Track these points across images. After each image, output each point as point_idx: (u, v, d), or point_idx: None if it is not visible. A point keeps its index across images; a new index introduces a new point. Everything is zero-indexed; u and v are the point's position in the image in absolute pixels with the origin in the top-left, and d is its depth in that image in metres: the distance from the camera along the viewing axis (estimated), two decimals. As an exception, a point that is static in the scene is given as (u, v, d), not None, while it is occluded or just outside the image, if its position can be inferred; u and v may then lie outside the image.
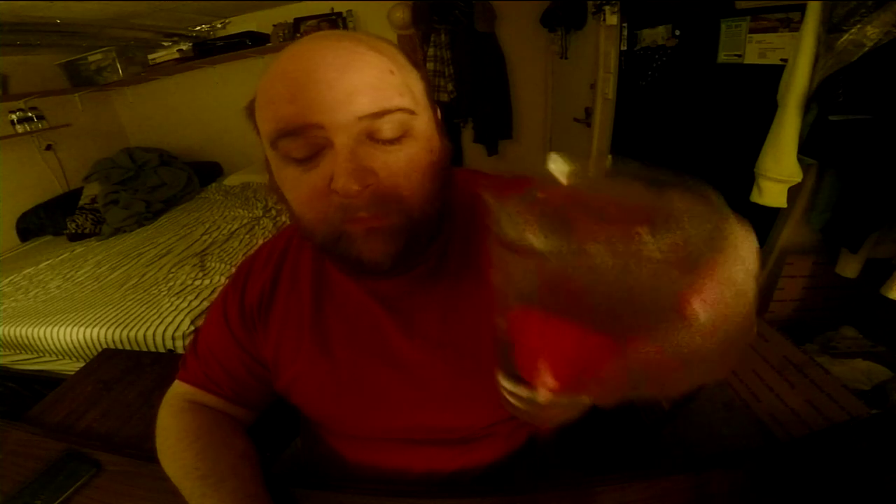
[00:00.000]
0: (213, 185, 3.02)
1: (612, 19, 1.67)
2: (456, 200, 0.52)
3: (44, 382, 1.54)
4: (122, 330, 1.39)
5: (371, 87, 0.39)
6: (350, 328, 0.53)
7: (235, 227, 2.19)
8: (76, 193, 2.57)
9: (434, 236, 0.47)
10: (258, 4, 2.66)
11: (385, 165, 0.40)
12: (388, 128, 0.39)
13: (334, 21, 2.65)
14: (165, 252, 2.00)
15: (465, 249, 0.51)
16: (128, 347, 1.38)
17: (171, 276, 1.74)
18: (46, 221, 2.49)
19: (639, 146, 1.68)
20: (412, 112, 0.41)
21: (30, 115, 2.42)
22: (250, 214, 2.35)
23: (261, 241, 1.93)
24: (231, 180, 2.97)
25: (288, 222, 0.54)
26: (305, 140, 0.39)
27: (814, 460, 0.53)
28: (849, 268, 0.81)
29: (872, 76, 0.67)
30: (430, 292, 0.51)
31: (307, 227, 0.43)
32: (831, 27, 0.69)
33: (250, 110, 0.45)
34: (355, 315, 0.53)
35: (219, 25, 2.84)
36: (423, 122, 0.43)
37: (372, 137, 0.40)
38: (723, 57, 1.09)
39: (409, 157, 0.41)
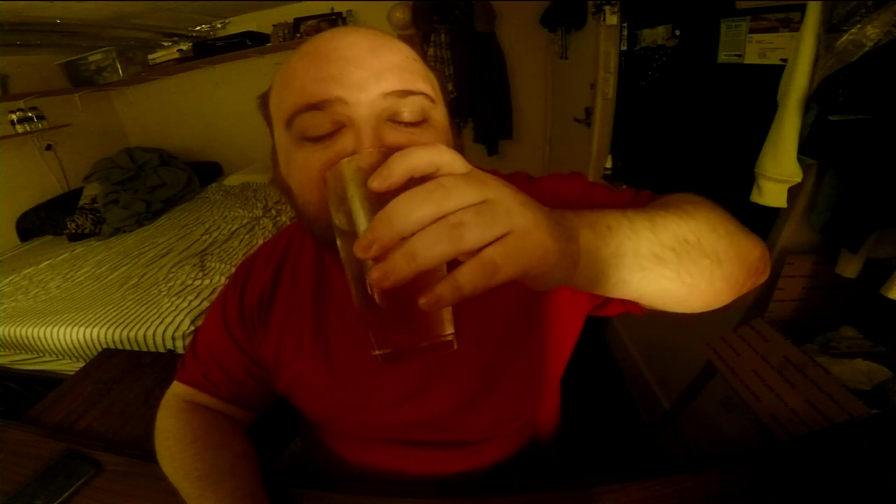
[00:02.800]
0: (213, 185, 3.02)
1: (612, 19, 1.67)
2: None
3: (44, 382, 1.54)
4: (122, 330, 1.39)
5: (398, 68, 0.39)
6: (351, 331, 0.52)
7: (235, 227, 2.19)
8: (76, 193, 2.57)
9: None
10: (258, 4, 2.66)
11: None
12: (409, 110, 0.39)
13: (334, 21, 2.65)
14: (165, 252, 2.00)
15: None
16: (128, 347, 1.38)
17: (171, 276, 1.74)
18: (46, 221, 2.50)
19: (639, 146, 1.68)
20: (433, 100, 0.41)
21: (30, 115, 2.43)
22: (250, 214, 2.35)
23: (261, 241, 1.93)
24: (231, 180, 2.97)
25: (288, 222, 0.54)
26: (325, 116, 0.38)
27: (814, 460, 0.53)
28: (849, 268, 0.80)
29: (872, 76, 0.67)
30: None
31: (311, 214, 0.41)
32: (831, 27, 0.69)
33: (264, 99, 0.46)
34: (356, 315, 0.52)
35: (219, 25, 2.85)
36: (441, 114, 0.43)
37: (393, 120, 0.39)
38: (723, 57, 1.09)
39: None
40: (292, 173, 0.42)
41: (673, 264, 0.34)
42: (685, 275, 0.35)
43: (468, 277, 0.24)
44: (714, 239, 0.37)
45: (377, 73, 0.38)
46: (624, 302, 0.48)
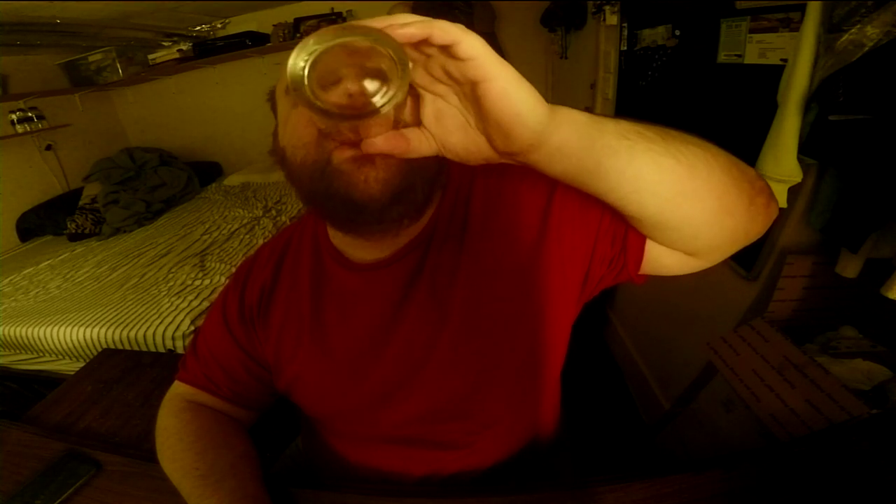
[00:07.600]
0: (213, 185, 3.02)
1: (612, 19, 1.67)
2: (451, 186, 0.52)
3: (44, 382, 1.54)
4: (122, 330, 1.39)
5: None
6: (349, 325, 0.53)
7: (235, 227, 2.19)
8: (76, 193, 2.57)
9: (428, 197, 0.46)
10: (258, 4, 2.66)
11: None
12: None
13: (334, 21, 2.65)
14: (165, 252, 2.00)
15: (459, 242, 0.51)
16: (128, 347, 1.38)
17: (171, 276, 1.74)
18: (46, 221, 2.49)
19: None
20: None
21: (30, 115, 2.42)
22: (250, 214, 2.35)
23: (261, 241, 1.94)
24: (231, 180, 2.97)
25: (288, 222, 0.54)
26: None
27: (814, 460, 0.53)
28: (849, 268, 0.80)
29: (872, 76, 0.67)
30: (426, 288, 0.51)
31: (299, 160, 0.42)
32: (831, 27, 0.69)
33: (272, 94, 0.48)
34: (354, 311, 0.53)
35: (219, 25, 2.84)
36: None
37: None
38: (723, 57, 1.09)
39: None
40: (287, 131, 0.43)
41: (659, 141, 0.33)
42: (676, 153, 0.34)
43: (439, 22, 0.27)
44: (698, 140, 0.37)
45: None
46: (624, 253, 0.46)
